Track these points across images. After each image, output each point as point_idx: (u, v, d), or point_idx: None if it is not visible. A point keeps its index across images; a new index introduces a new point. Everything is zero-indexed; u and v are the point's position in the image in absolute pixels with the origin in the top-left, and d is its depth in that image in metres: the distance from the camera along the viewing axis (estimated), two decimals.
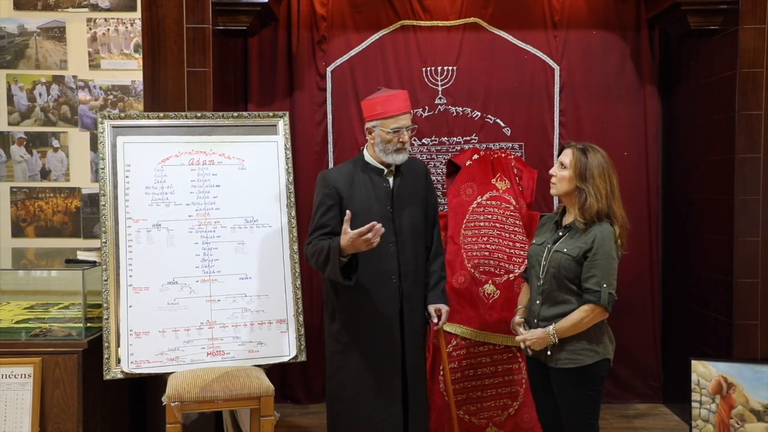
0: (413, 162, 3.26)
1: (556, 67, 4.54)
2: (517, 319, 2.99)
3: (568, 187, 2.82)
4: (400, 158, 3.05)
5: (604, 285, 2.71)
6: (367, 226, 2.74)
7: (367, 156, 3.13)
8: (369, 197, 3.04)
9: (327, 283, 3.13)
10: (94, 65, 4.12)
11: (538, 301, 2.88)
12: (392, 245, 3.05)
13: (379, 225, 2.75)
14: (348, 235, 2.78)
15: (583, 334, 2.77)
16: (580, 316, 2.74)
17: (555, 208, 3.62)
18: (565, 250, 2.79)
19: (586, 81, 4.54)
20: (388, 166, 3.11)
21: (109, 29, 4.11)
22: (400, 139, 3.01)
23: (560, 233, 2.88)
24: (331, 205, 3.03)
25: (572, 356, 2.78)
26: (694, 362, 3.76)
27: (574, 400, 2.82)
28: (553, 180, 2.87)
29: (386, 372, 3.05)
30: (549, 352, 2.81)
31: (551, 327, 2.78)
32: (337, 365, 3.11)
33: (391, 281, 3.04)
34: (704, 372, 3.72)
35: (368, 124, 3.08)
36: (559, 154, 2.90)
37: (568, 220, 2.89)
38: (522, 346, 2.90)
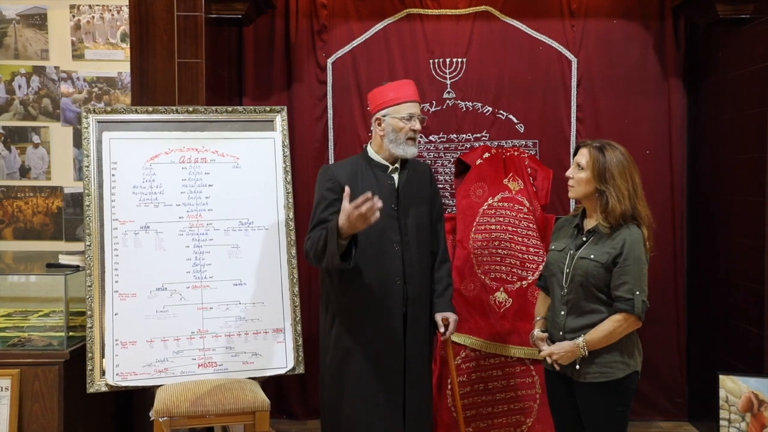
0: (417, 163, 3.30)
1: (574, 59, 4.53)
2: (538, 332, 2.97)
3: (587, 190, 2.81)
4: (411, 151, 3.10)
5: (637, 292, 2.70)
6: (362, 196, 2.72)
7: (371, 152, 3.16)
8: (373, 194, 3.05)
9: (326, 283, 3.14)
10: (77, 55, 4.13)
11: (562, 312, 2.85)
12: (397, 245, 3.07)
13: (375, 198, 2.73)
14: (344, 208, 2.77)
15: (614, 346, 2.75)
16: (612, 326, 2.72)
17: (572, 209, 3.61)
18: (592, 256, 2.77)
19: (606, 74, 4.53)
20: (393, 162, 3.12)
21: (93, 17, 4.12)
22: (412, 128, 3.06)
23: (584, 238, 2.86)
24: (334, 200, 3.04)
25: (603, 369, 2.76)
26: (722, 377, 3.75)
27: (603, 417, 2.80)
28: (570, 183, 2.87)
29: (388, 381, 3.06)
30: (578, 366, 2.79)
31: (581, 339, 2.75)
32: (336, 373, 3.12)
33: (395, 283, 3.06)
34: (733, 388, 3.71)
35: (378, 114, 3.11)
36: (575, 154, 2.89)
37: (590, 224, 2.87)
38: (548, 361, 2.87)
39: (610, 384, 2.75)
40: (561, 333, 2.84)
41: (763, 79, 3.76)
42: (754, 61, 3.85)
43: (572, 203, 4.26)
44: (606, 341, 2.73)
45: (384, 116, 3.09)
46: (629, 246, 2.71)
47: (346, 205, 2.77)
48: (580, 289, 2.79)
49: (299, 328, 3.33)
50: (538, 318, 3.03)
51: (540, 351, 2.92)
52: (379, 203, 2.74)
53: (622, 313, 2.71)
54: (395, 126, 3.07)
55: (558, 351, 2.80)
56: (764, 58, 3.75)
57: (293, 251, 3.37)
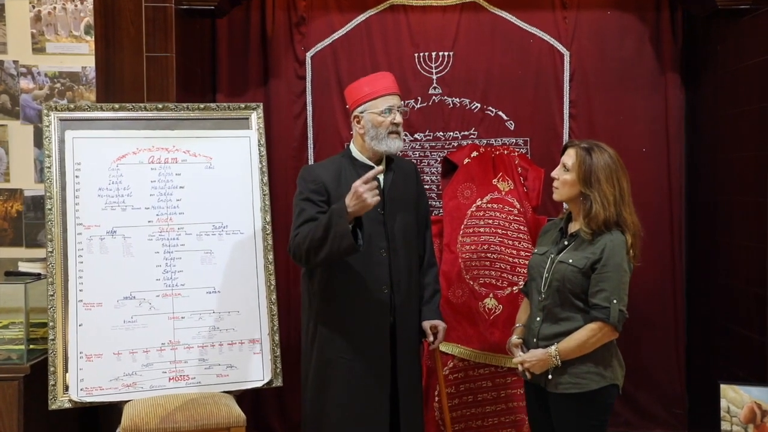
0: (403, 162, 3.30)
1: (566, 53, 4.55)
2: (514, 339, 3.00)
3: (572, 192, 2.84)
4: (396, 145, 3.08)
5: (614, 301, 2.72)
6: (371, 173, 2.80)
7: (355, 151, 3.16)
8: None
9: (308, 292, 3.13)
10: (38, 49, 4.10)
11: (538, 318, 2.88)
12: (384, 252, 3.06)
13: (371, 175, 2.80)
14: (355, 185, 2.79)
15: (588, 356, 2.77)
16: (586, 335, 2.74)
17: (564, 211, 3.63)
18: (570, 261, 2.80)
19: (600, 68, 4.55)
20: (378, 162, 3.12)
21: (55, 7, 4.09)
22: (393, 121, 3.04)
23: (565, 242, 2.89)
24: (320, 201, 3.03)
25: (575, 380, 2.78)
26: (723, 386, 3.77)
27: (576, 431, 2.81)
28: (555, 184, 2.89)
29: (374, 395, 3.05)
30: (550, 376, 2.80)
31: (553, 347, 2.78)
32: (318, 387, 3.10)
33: (381, 292, 3.05)
34: (735, 398, 3.73)
35: (355, 111, 3.11)
36: (562, 154, 2.91)
37: (574, 227, 2.90)
38: (519, 369, 2.90)
39: (583, 396, 2.76)
40: (535, 340, 2.87)
41: (763, 73, 3.79)
42: (755, 54, 3.88)
43: (565, 206, 4.28)
44: (579, 351, 2.74)
45: (362, 113, 3.08)
46: (609, 252, 2.73)
47: (355, 184, 2.79)
48: (556, 295, 2.81)
49: (277, 338, 3.32)
50: (517, 325, 3.06)
51: (513, 358, 2.95)
52: (374, 181, 2.81)
53: (598, 322, 2.72)
54: (374, 121, 3.05)
55: (530, 359, 2.83)
56: (765, 51, 3.78)
57: (270, 257, 3.35)
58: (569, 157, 2.84)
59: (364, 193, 2.76)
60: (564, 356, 2.76)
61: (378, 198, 2.81)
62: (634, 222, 2.80)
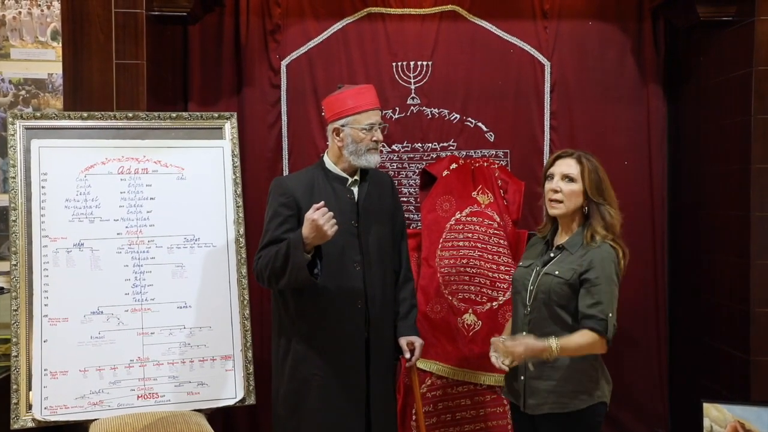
0: (377, 174, 3.31)
1: (547, 63, 4.60)
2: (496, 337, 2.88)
3: (578, 203, 2.83)
4: (375, 159, 3.12)
5: (609, 314, 2.71)
6: (314, 207, 2.81)
7: (329, 163, 3.17)
8: (331, 209, 3.05)
9: (279, 307, 3.14)
10: (2, 54, 4.09)
11: (523, 334, 2.85)
12: (358, 265, 3.08)
13: (321, 205, 2.82)
14: (308, 217, 2.81)
15: (573, 373, 2.77)
16: (584, 341, 2.70)
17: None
18: (556, 272, 2.80)
19: (581, 79, 4.60)
20: (352, 174, 3.15)
21: (21, 12, 4.08)
22: (374, 138, 3.08)
23: (551, 254, 2.90)
24: (288, 216, 3.04)
25: (561, 399, 2.78)
26: (706, 405, 3.80)
27: None
28: (557, 197, 2.84)
29: (349, 413, 3.06)
30: (523, 376, 2.79)
31: (554, 339, 2.69)
32: (292, 406, 3.10)
33: (356, 306, 3.07)
34: (718, 416, 3.77)
35: (335, 124, 3.12)
36: (550, 165, 2.92)
37: (561, 239, 2.91)
38: (496, 359, 2.75)
39: (571, 416, 2.77)
40: None
41: (746, 86, 3.84)
42: (737, 66, 3.94)
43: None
44: (574, 353, 2.72)
45: (343, 126, 3.10)
46: (599, 263, 2.74)
47: (309, 214, 2.80)
48: (543, 308, 2.81)
49: (250, 354, 3.32)
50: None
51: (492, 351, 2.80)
52: (326, 211, 2.81)
53: (594, 333, 2.69)
54: (355, 137, 3.08)
55: (520, 340, 2.71)
56: (747, 63, 3.83)
57: (243, 270, 3.36)
58: (570, 167, 2.82)
59: (324, 224, 2.78)
60: (561, 353, 2.68)
61: (336, 228, 2.83)
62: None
